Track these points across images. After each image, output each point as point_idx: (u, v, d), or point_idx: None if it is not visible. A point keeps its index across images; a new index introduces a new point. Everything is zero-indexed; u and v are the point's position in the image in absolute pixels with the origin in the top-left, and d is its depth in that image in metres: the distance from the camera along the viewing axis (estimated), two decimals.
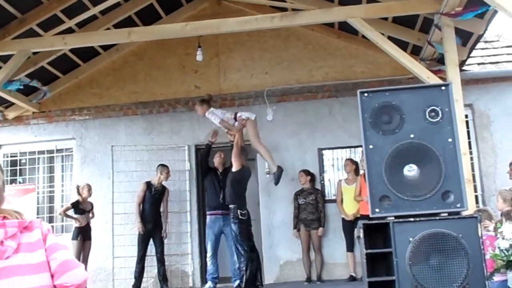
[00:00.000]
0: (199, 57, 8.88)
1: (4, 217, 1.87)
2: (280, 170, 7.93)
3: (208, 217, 8.56)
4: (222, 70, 9.80)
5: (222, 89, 9.72)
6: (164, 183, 8.95)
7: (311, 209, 8.76)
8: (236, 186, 7.76)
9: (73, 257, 2.04)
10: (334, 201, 8.96)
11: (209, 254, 8.37)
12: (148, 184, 8.85)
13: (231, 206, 7.68)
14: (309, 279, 8.61)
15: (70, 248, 2.62)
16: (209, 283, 8.22)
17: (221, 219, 8.34)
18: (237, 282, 8.08)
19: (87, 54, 9.61)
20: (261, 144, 8.15)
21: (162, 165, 8.93)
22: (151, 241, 8.79)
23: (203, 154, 8.76)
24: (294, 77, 9.55)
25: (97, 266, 9.21)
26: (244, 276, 7.51)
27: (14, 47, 7.53)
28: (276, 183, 8.03)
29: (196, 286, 9.01)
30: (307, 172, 8.92)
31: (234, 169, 7.77)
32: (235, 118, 8.15)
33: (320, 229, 8.72)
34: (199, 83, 9.78)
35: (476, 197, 8.36)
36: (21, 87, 8.56)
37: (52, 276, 1.91)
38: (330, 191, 9.31)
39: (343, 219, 8.64)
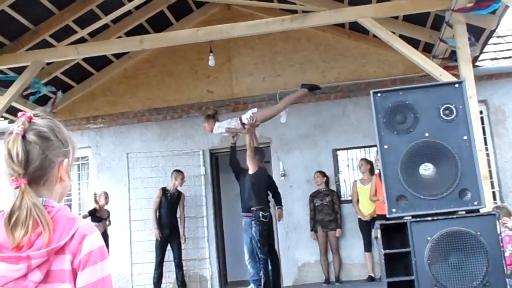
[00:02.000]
0: (211, 62, 8.92)
1: (37, 224, 1.51)
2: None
3: (243, 220, 8.17)
4: (234, 74, 9.83)
5: (235, 93, 9.75)
6: (179, 188, 8.99)
7: (327, 210, 8.76)
8: (255, 188, 7.73)
9: None
10: (350, 201, 8.94)
11: (246, 257, 8.10)
12: (164, 190, 8.89)
13: (253, 208, 7.64)
14: (327, 280, 8.60)
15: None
16: (252, 285, 8.19)
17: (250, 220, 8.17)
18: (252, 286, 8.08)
19: (100, 62, 9.69)
20: (278, 105, 8.28)
21: (177, 171, 8.96)
22: (168, 247, 8.83)
23: (231, 156, 8.56)
24: (306, 78, 9.52)
25: (115, 273, 9.26)
26: (262, 281, 7.50)
27: (28, 58, 7.61)
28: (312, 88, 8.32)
29: None
30: (323, 174, 8.92)
31: (250, 171, 7.76)
32: (242, 123, 8.14)
33: (338, 230, 8.71)
34: (212, 88, 9.82)
35: (494, 193, 8.30)
36: (45, 90, 8.71)
37: None
38: (345, 192, 9.30)
39: (359, 219, 8.62)
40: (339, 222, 8.76)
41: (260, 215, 7.60)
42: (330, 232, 8.72)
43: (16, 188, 1.54)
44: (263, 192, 7.86)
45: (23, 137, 1.56)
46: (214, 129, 8.31)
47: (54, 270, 1.52)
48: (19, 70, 7.89)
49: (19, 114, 1.60)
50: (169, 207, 8.85)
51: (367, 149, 9.25)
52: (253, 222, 7.61)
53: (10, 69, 8.02)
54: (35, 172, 1.57)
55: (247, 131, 7.92)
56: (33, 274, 1.50)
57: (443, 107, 4.03)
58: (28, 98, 8.86)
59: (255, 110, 8.12)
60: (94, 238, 1.57)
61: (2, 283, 1.49)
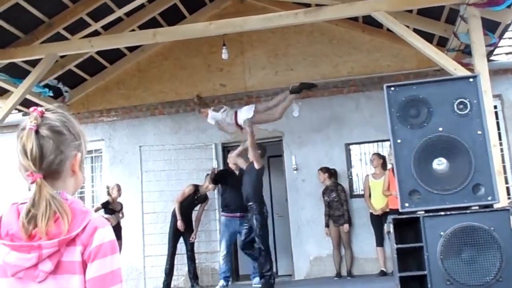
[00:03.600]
0: (224, 55, 8.92)
1: (57, 219, 1.53)
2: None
3: (224, 218, 8.56)
4: (247, 67, 9.82)
5: (248, 86, 9.75)
6: (191, 181, 9.03)
7: (336, 205, 8.76)
8: (259, 184, 7.85)
9: None
10: (362, 196, 8.92)
11: (223, 253, 8.32)
12: (196, 188, 8.93)
13: (253, 203, 7.70)
14: (339, 275, 8.60)
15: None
16: (222, 282, 8.20)
17: (238, 220, 8.31)
18: (257, 278, 8.19)
19: (113, 55, 9.72)
20: (276, 110, 8.44)
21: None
22: (181, 239, 8.88)
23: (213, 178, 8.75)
24: (319, 72, 9.52)
25: (128, 265, 9.32)
26: (270, 272, 7.64)
27: (42, 51, 7.65)
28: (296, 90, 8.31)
29: None
30: (324, 170, 8.88)
31: (257, 166, 7.80)
32: (237, 124, 8.34)
33: (345, 225, 8.69)
34: (225, 81, 9.83)
35: (508, 188, 8.24)
36: (50, 93, 8.77)
37: None
38: (358, 186, 9.28)
39: (371, 213, 8.60)
40: (347, 217, 8.74)
41: (264, 209, 7.76)
42: (341, 226, 8.72)
43: (32, 183, 1.55)
44: (262, 187, 8.01)
45: (36, 132, 1.57)
46: (208, 118, 8.55)
47: (64, 261, 1.53)
48: (33, 63, 7.94)
49: (31, 109, 1.62)
50: (192, 204, 8.92)
51: (380, 143, 9.21)
52: (256, 216, 7.65)
53: (24, 62, 8.07)
54: (50, 166, 1.58)
55: (244, 132, 8.03)
56: (43, 264, 1.51)
57: (457, 101, 4.01)
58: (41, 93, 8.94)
59: (252, 111, 8.12)
60: (106, 232, 1.58)
61: (13, 271, 1.51)
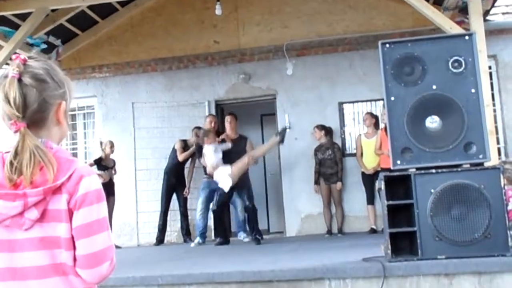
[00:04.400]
0: (218, 11, 8.80)
1: (41, 168, 1.52)
2: (283, 129, 8.01)
3: (204, 180, 8.61)
4: (241, 24, 9.70)
5: (241, 43, 9.65)
6: (184, 137, 9.03)
7: (329, 163, 8.79)
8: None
9: (107, 241, 1.59)
10: (354, 155, 8.96)
11: (200, 212, 8.47)
12: (184, 143, 8.93)
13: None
14: (329, 232, 8.70)
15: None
16: (198, 239, 8.30)
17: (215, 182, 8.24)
18: (243, 234, 8.48)
19: (106, 10, 9.55)
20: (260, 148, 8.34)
21: (199, 128, 8.91)
22: (174, 196, 8.94)
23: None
24: (314, 30, 9.42)
25: (121, 221, 9.39)
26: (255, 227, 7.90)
27: (33, 5, 7.49)
28: (282, 140, 7.91)
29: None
30: (320, 127, 8.89)
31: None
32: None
33: (338, 183, 8.75)
34: (218, 38, 9.72)
35: (499, 149, 8.29)
36: (44, 45, 8.64)
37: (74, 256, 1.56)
38: (350, 145, 9.31)
39: (362, 173, 8.65)
40: (340, 175, 8.80)
41: None
42: (333, 185, 8.77)
43: (16, 131, 1.55)
44: None
45: (19, 80, 1.55)
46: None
47: (50, 210, 1.54)
48: (23, 17, 7.81)
49: (13, 56, 1.59)
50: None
51: (373, 102, 9.20)
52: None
53: (14, 15, 7.93)
54: (33, 115, 1.57)
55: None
56: (29, 212, 1.52)
57: (452, 59, 4.00)
58: (33, 46, 8.81)
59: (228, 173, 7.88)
60: (92, 180, 1.58)
61: (0, 219, 1.52)
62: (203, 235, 8.38)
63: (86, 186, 1.56)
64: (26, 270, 1.53)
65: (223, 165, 7.87)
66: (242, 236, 8.57)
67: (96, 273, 1.57)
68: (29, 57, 1.61)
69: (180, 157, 8.83)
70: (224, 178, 7.71)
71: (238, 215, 8.72)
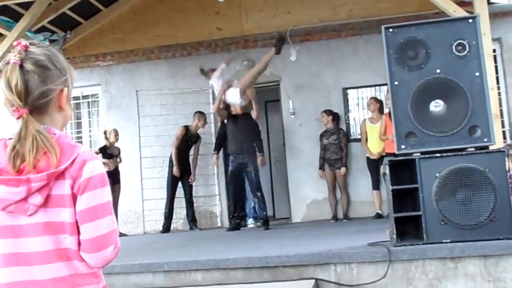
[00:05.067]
0: None
1: (45, 153, 1.52)
2: (280, 38, 7.96)
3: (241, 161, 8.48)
4: (244, 10, 9.65)
5: (245, 30, 9.62)
6: (188, 123, 9.04)
7: (334, 149, 8.78)
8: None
9: (111, 225, 1.59)
10: (359, 140, 8.95)
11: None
12: (186, 129, 8.94)
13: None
14: (335, 217, 8.72)
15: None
16: (251, 220, 8.82)
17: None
18: (251, 220, 8.75)
19: None
20: (248, 75, 8.16)
21: (200, 113, 8.97)
22: (179, 184, 8.97)
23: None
24: (317, 15, 9.37)
25: (127, 208, 9.44)
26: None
27: None
28: (278, 51, 7.96)
29: (224, 226, 9.17)
30: (328, 112, 8.88)
31: (255, 116, 7.99)
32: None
33: (343, 168, 8.75)
34: (221, 25, 9.68)
35: (504, 132, 8.27)
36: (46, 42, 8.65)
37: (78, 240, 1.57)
38: (355, 131, 9.30)
39: (367, 158, 8.65)
40: (345, 161, 8.80)
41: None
42: (337, 170, 8.78)
43: (18, 118, 1.55)
44: None
45: (21, 67, 1.55)
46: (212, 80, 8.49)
47: (54, 195, 1.55)
48: (26, 6, 7.80)
49: (15, 43, 1.59)
50: (186, 146, 8.97)
51: (377, 88, 9.17)
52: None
53: (17, 4, 7.92)
54: (35, 101, 1.57)
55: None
56: (33, 197, 1.52)
57: (456, 42, 3.98)
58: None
59: (238, 96, 8.02)
60: (95, 164, 1.59)
61: (3, 205, 1.53)
62: (255, 218, 8.70)
63: (90, 170, 1.57)
64: (31, 255, 1.54)
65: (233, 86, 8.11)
66: (249, 221, 8.76)
67: (100, 257, 1.58)
68: (31, 43, 1.60)
69: (174, 142, 8.88)
70: (232, 92, 8.01)
71: (249, 202, 8.82)
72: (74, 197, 1.56)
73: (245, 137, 8.05)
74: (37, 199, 1.53)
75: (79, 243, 1.57)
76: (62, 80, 1.63)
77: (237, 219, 8.13)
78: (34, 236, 1.54)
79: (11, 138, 1.56)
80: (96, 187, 1.57)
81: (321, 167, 8.90)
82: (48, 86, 1.59)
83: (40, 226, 1.54)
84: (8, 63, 1.56)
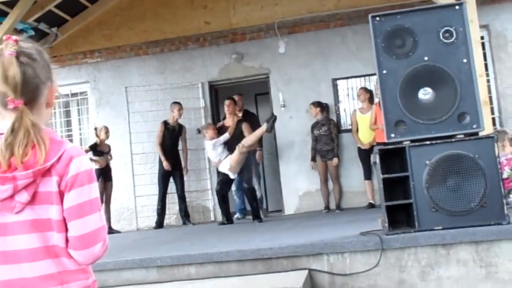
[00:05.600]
0: None
1: (33, 146, 1.52)
2: (272, 117, 7.91)
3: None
4: (231, 3, 9.61)
5: (233, 23, 9.58)
6: (180, 121, 9.01)
7: (325, 140, 8.79)
8: None
9: (99, 222, 1.58)
10: (349, 131, 8.96)
11: (234, 191, 8.98)
12: (165, 124, 8.92)
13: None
14: (327, 208, 8.74)
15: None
16: (237, 214, 8.90)
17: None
18: (238, 214, 8.99)
19: None
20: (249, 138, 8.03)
21: (174, 103, 8.98)
22: (171, 179, 8.95)
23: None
24: (305, 6, 9.34)
25: (120, 205, 9.42)
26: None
27: None
28: (270, 130, 7.94)
29: (217, 220, 9.17)
30: (316, 104, 8.88)
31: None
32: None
33: (335, 159, 8.76)
34: (209, 19, 9.64)
35: (493, 119, 8.29)
36: (32, 32, 8.55)
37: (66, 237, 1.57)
38: (346, 121, 9.30)
39: (359, 148, 8.66)
40: (336, 151, 8.81)
41: None
42: (329, 161, 8.79)
43: (14, 108, 1.54)
44: None
45: (17, 58, 1.55)
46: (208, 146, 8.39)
47: (41, 192, 1.54)
48: (11, 4, 7.72)
49: (4, 37, 1.59)
50: (171, 140, 8.92)
51: (366, 78, 9.17)
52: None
53: (2, 3, 7.83)
54: (31, 93, 1.57)
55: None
56: (19, 195, 1.52)
57: (443, 30, 3.98)
58: (22, 33, 8.74)
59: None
60: (82, 161, 1.58)
61: None
62: (241, 211, 8.92)
63: (77, 167, 1.56)
64: (18, 253, 1.53)
65: (225, 155, 8.06)
66: (236, 215, 8.91)
67: (89, 254, 1.57)
68: (19, 39, 1.60)
69: (156, 140, 8.92)
70: (226, 171, 7.99)
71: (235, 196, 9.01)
72: (61, 194, 1.55)
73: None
74: (24, 196, 1.52)
75: (67, 240, 1.56)
76: (49, 75, 1.65)
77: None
78: (21, 234, 1.53)
79: (2, 133, 1.54)
80: (83, 183, 1.56)
81: (313, 159, 8.91)
82: (41, 79, 1.60)
83: (27, 223, 1.53)
84: (0, 55, 1.55)
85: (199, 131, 9.16)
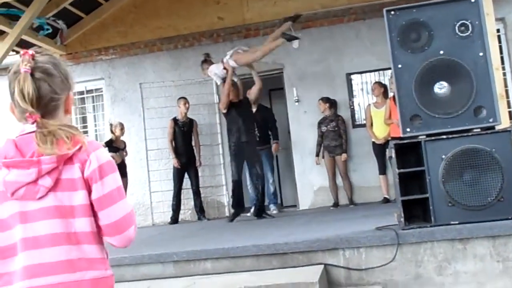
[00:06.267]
0: None
1: (58, 141, 1.63)
2: (291, 35, 7.67)
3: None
4: None
5: (246, 19, 9.57)
6: (191, 116, 9.04)
7: (333, 136, 8.78)
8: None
9: (127, 207, 1.70)
10: (364, 125, 8.93)
11: (249, 185, 8.88)
12: (175, 120, 8.96)
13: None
14: (336, 205, 8.72)
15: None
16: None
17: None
18: (273, 207, 8.92)
19: None
20: (258, 50, 7.93)
21: (179, 98, 9.03)
22: (186, 175, 8.98)
23: None
24: (319, 1, 9.31)
25: (135, 201, 9.47)
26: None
27: None
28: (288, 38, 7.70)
29: None
30: (325, 100, 8.87)
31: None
32: (224, 68, 8.03)
33: (343, 155, 8.76)
34: (222, 15, 9.64)
35: (510, 112, 8.20)
36: (50, 28, 8.64)
37: (96, 222, 1.67)
38: (360, 116, 9.28)
39: (373, 142, 8.63)
40: (345, 147, 8.80)
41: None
42: (337, 157, 8.78)
43: (32, 123, 1.65)
44: None
45: (31, 75, 1.64)
46: (209, 73, 8.22)
47: (63, 179, 1.63)
48: (27, 2, 7.79)
49: (21, 52, 1.68)
50: (183, 136, 8.95)
51: (381, 72, 9.14)
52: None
53: (17, 1, 7.91)
54: (46, 107, 1.67)
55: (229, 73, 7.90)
56: (43, 179, 1.61)
57: (459, 23, 3.95)
58: (38, 31, 8.82)
59: (232, 51, 7.95)
60: (102, 152, 1.70)
61: (14, 188, 1.60)
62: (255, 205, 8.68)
63: (98, 159, 1.67)
64: (39, 238, 1.60)
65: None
66: (272, 208, 8.86)
67: (124, 238, 1.68)
68: (36, 52, 1.70)
69: (168, 139, 8.99)
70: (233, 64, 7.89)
71: (269, 188, 8.90)
72: (85, 180, 1.64)
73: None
74: (47, 181, 1.60)
75: (97, 226, 1.67)
76: (67, 85, 1.74)
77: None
78: (43, 220, 1.61)
79: (20, 136, 1.66)
80: (108, 173, 1.67)
81: (318, 154, 8.92)
82: (57, 92, 1.69)
83: (50, 209, 1.61)
84: (17, 72, 1.65)
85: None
